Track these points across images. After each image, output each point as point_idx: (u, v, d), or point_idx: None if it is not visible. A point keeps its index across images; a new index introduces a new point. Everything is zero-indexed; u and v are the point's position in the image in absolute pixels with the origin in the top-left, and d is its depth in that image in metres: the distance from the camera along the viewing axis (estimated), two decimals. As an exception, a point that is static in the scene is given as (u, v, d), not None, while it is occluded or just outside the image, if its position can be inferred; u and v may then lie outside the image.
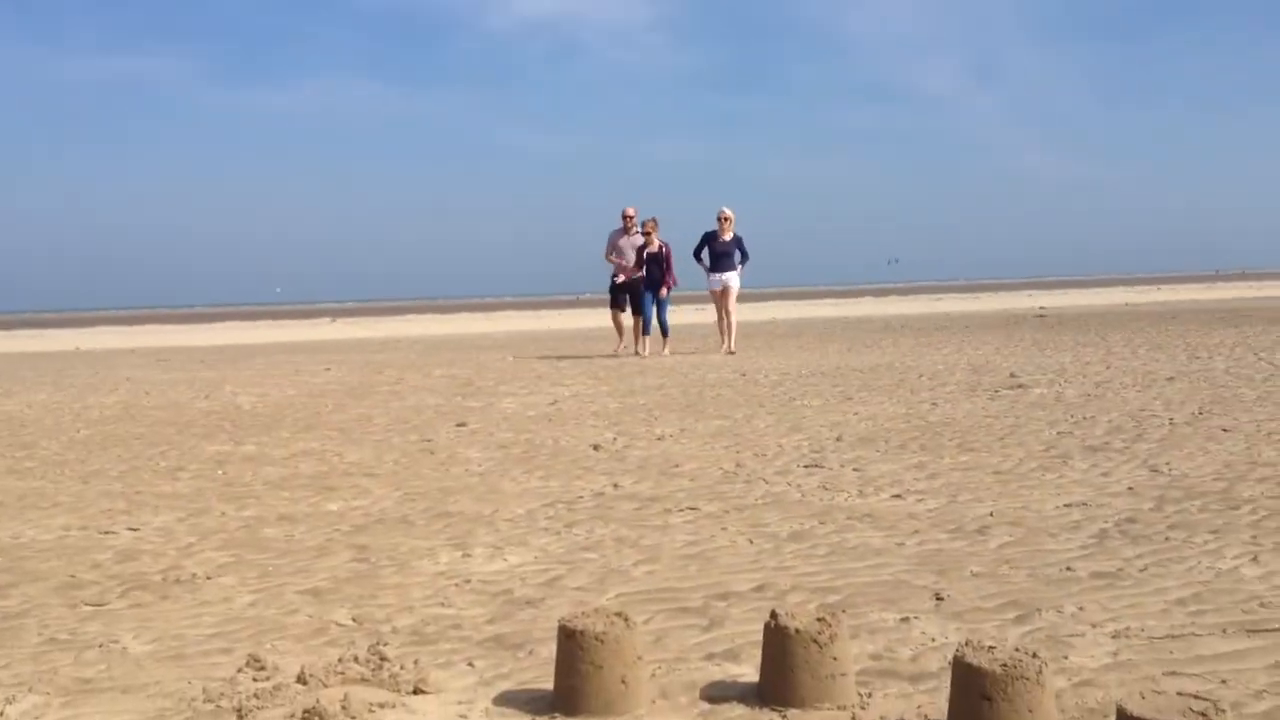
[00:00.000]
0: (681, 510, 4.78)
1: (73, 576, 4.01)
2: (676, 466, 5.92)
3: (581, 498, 5.17)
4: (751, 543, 4.17)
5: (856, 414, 7.86)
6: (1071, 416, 7.24)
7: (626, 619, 2.65)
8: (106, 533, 4.74)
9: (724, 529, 4.41)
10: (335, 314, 56.64)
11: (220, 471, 6.34)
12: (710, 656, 2.97)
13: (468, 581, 3.77)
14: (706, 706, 2.62)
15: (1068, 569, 3.66)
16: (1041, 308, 29.49)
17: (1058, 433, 6.59)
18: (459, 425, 8.06)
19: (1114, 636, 3.00)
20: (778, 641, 2.60)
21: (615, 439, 7.13)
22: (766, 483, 5.33)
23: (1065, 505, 4.57)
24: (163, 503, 5.39)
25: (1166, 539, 4.01)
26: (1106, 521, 4.29)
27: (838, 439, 6.70)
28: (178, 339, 30.46)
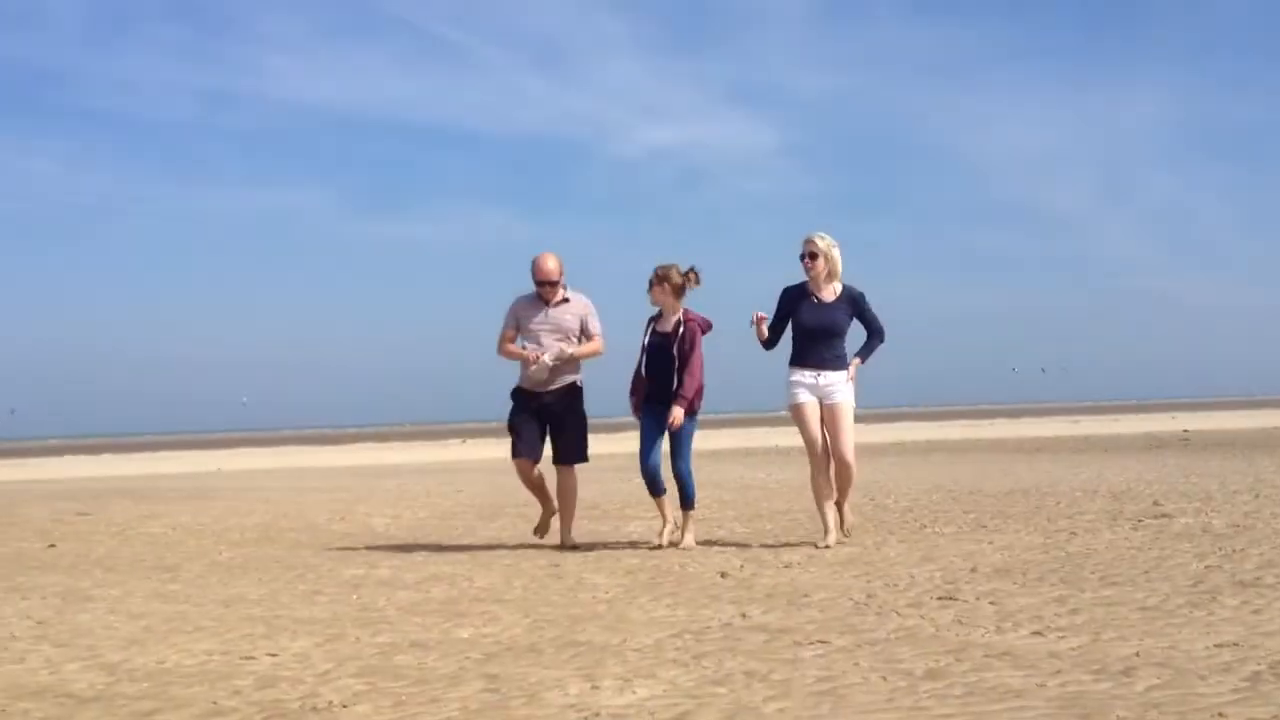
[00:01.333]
0: (812, 643, 4.71)
1: (214, 704, 4.11)
2: (805, 596, 5.84)
3: (709, 628, 5.13)
4: (885, 680, 4.07)
5: (991, 543, 7.68)
6: (1220, 549, 6.96)
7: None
8: (247, 658, 4.85)
9: (856, 664, 4.32)
10: (466, 435, 57.61)
11: (355, 596, 6.46)
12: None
13: (597, 715, 3.75)
14: None
15: (1219, 715, 3.49)
16: (1185, 430, 28.54)
17: (1205, 566, 6.33)
18: (585, 549, 8.09)
19: (1274, 791, 2.85)
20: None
21: (742, 566, 7.07)
22: (899, 615, 5.22)
23: (1216, 645, 4.38)
24: (300, 627, 5.50)
25: (1328, 684, 3.80)
26: (1260, 664, 4.09)
27: (972, 569, 6.54)
28: (315, 460, 31.30)
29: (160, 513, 12.89)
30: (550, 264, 8.41)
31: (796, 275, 7.98)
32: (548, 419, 8.41)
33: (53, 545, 9.73)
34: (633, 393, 8.31)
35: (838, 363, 7.92)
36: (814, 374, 7.87)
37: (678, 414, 7.98)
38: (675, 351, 8.00)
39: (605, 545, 8.41)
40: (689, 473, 8.17)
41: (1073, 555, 6.96)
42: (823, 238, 7.87)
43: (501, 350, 8.54)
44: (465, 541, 9.03)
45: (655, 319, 8.21)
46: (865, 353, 8.06)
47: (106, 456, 41.94)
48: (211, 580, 7.34)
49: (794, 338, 7.97)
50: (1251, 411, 48.64)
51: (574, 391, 8.42)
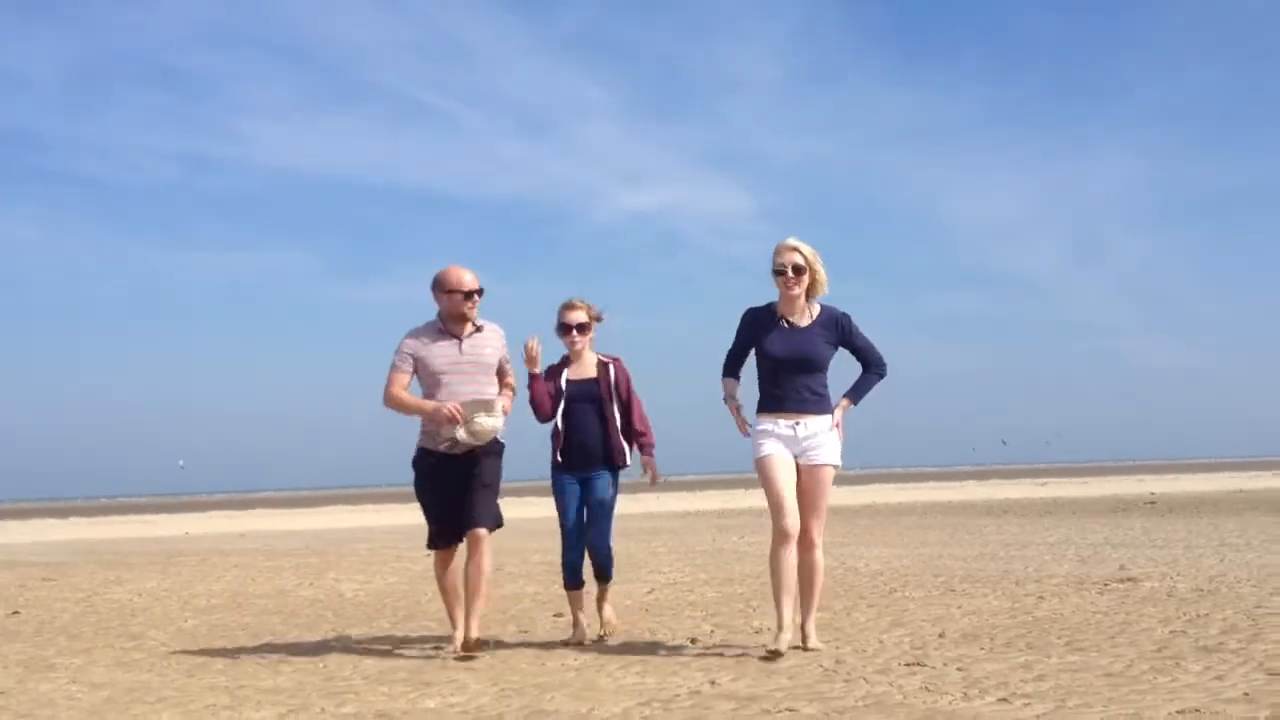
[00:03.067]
0: (780, 711, 4.71)
1: (176, 774, 4.06)
2: (775, 663, 5.84)
3: (678, 695, 5.12)
4: (851, 748, 4.07)
5: (960, 607, 7.70)
6: (1184, 614, 7.01)
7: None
8: (210, 728, 4.80)
9: (823, 733, 4.32)
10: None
11: (321, 664, 6.41)
12: None
13: (563, 786, 3.73)
14: None
15: (1182, 783, 3.51)
16: (1152, 493, 28.72)
17: (1170, 631, 6.37)
18: (556, 616, 8.05)
19: None
20: None
21: (712, 631, 7.06)
22: (867, 682, 5.23)
23: (1178, 712, 4.41)
24: (265, 697, 5.46)
25: (1288, 751, 3.83)
26: (1223, 730, 4.12)
27: (940, 634, 6.56)
28: (287, 523, 31.02)
29: (126, 578, 12.75)
30: (467, 273, 6.49)
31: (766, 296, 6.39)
32: (459, 487, 6.49)
33: (16, 612, 9.60)
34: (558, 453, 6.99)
35: (820, 405, 6.20)
36: (790, 422, 6.16)
37: (653, 466, 7.05)
38: (609, 399, 6.90)
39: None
40: (611, 549, 6.96)
41: (1039, 620, 6.99)
42: (805, 246, 6.18)
43: (392, 399, 6.47)
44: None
45: (563, 365, 6.99)
46: (857, 393, 6.34)
47: (74, 520, 41.42)
48: (176, 648, 7.27)
49: (761, 376, 6.26)
50: (1217, 474, 49.00)
51: (495, 448, 6.55)
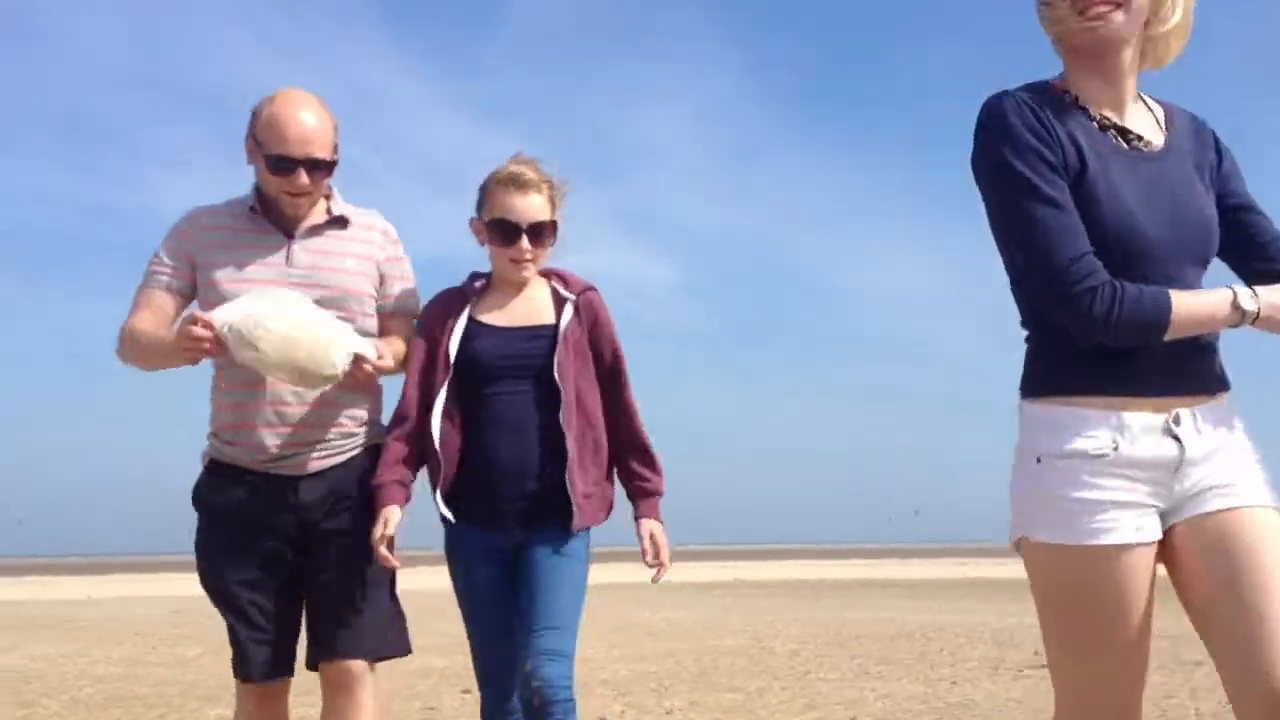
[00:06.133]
0: (687, 798, 4.61)
1: None
2: (685, 747, 5.75)
3: (585, 780, 5.00)
4: (757, 839, 4.00)
5: (874, 690, 7.66)
6: (1095, 700, 7.03)
7: None
8: (93, 808, 4.60)
9: (729, 822, 4.24)
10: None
11: (218, 739, 6.19)
12: None
13: None
14: None
15: None
16: (1067, 574, 29.00)
17: None
18: (464, 692, 7.88)
19: None
20: None
21: (623, 712, 6.95)
22: (777, 768, 5.16)
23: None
24: (155, 774, 5.25)
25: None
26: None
27: (852, 719, 6.51)
28: (195, 588, 30.25)
29: (20, 643, 12.30)
30: (309, 116, 3.22)
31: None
32: (301, 554, 3.34)
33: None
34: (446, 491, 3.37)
35: (1214, 379, 2.36)
36: (1159, 419, 2.26)
37: (659, 538, 3.42)
38: (575, 373, 3.32)
39: None
40: (571, 693, 3.42)
41: (952, 706, 6.97)
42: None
43: (124, 340, 3.31)
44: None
45: (467, 297, 3.40)
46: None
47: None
48: (69, 718, 6.99)
49: (1057, 296, 2.22)
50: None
51: (364, 472, 3.34)
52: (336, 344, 3.09)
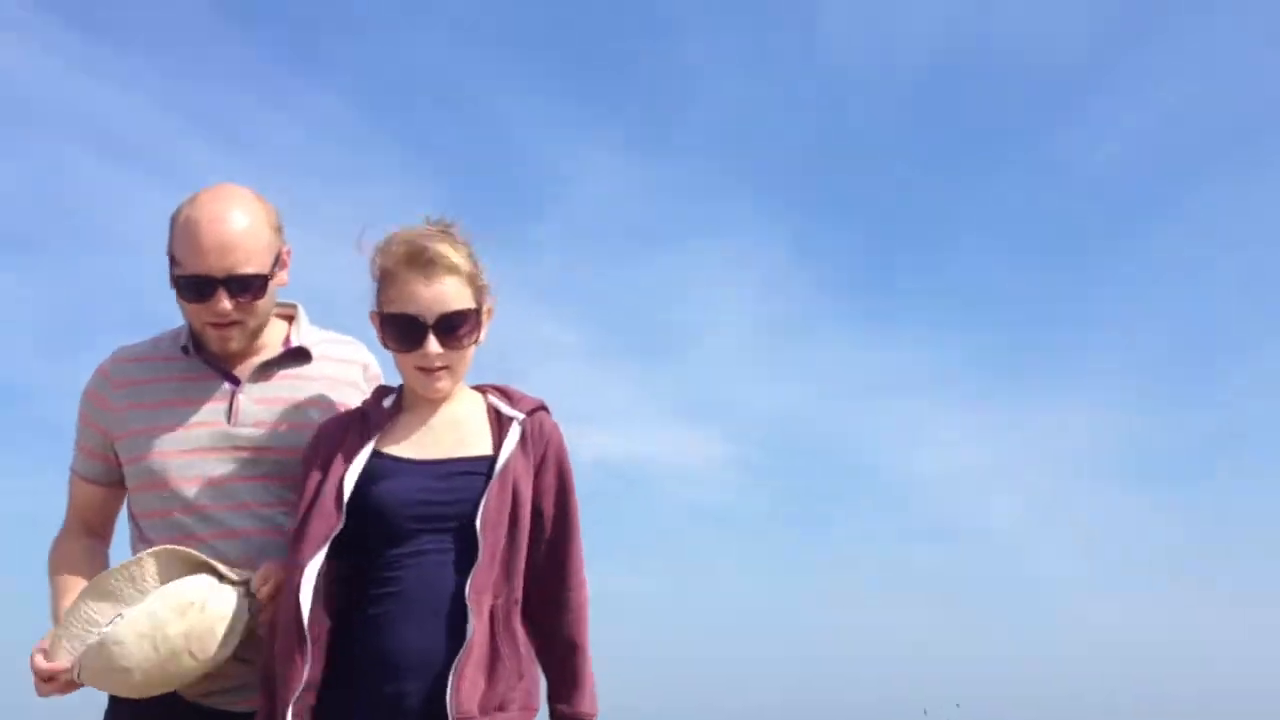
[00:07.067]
0: None
1: None
2: None
3: None
4: None
5: None
6: None
7: None
8: None
9: None
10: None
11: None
12: None
13: None
14: None
15: None
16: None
17: None
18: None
19: None
20: None
21: None
22: None
23: None
24: None
25: None
26: None
27: None
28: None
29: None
30: (233, 216, 2.32)
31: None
32: None
33: None
34: (277, 687, 2.18)
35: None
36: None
37: None
38: (502, 521, 2.26)
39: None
40: None
41: None
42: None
43: (50, 575, 2.45)
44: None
45: (385, 411, 2.37)
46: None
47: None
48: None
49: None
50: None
51: None
52: (188, 668, 2.19)
